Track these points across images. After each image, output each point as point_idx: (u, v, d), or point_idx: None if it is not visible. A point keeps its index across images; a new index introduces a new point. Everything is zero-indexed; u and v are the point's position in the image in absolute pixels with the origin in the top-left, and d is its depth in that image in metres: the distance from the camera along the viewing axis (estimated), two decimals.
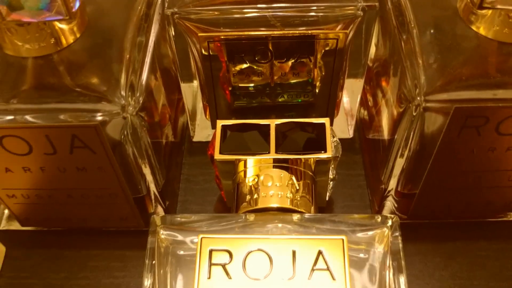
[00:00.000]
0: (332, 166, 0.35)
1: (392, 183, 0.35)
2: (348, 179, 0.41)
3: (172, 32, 0.35)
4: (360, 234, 0.30)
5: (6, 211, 0.38)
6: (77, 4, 0.27)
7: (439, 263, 0.37)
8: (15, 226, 0.38)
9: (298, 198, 0.32)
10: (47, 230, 0.39)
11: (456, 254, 0.37)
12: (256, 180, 0.32)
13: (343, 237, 0.29)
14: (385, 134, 0.36)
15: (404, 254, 0.31)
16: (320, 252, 0.29)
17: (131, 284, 0.36)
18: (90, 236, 0.38)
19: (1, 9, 0.26)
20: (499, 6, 0.26)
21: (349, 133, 0.43)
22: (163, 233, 0.30)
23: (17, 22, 0.27)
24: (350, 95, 0.42)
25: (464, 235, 0.38)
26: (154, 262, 0.30)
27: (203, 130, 0.44)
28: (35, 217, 0.37)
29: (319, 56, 0.39)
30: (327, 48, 0.38)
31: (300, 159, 0.33)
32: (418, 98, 0.29)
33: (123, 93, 0.29)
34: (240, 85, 0.41)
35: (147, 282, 0.30)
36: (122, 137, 0.30)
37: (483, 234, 0.38)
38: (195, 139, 0.44)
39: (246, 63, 0.39)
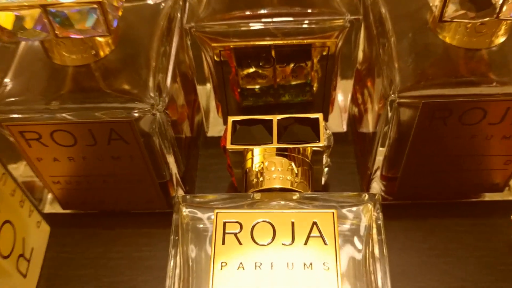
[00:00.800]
0: (326, 154, 0.41)
1: (376, 168, 0.41)
2: (341, 167, 0.46)
3: (189, 42, 0.41)
4: (348, 209, 0.36)
5: (49, 196, 0.45)
6: (115, 23, 0.33)
7: (419, 237, 0.43)
8: (57, 209, 0.45)
9: (297, 181, 0.38)
10: (84, 213, 0.45)
11: (435, 229, 0.43)
12: (261, 166, 0.38)
13: (334, 210, 0.35)
14: (371, 128, 0.42)
15: (389, 229, 0.37)
16: (314, 223, 0.35)
17: (157, 256, 0.42)
18: (121, 218, 0.44)
19: (56, 27, 0.32)
20: (455, 20, 0.32)
21: (343, 127, 0.49)
22: (185, 211, 0.37)
23: (67, 38, 0.34)
24: (344, 94, 0.48)
25: (443, 213, 0.44)
26: (178, 237, 0.36)
27: (215, 126, 0.49)
28: (74, 201, 0.43)
29: (315, 60, 0.45)
30: (322, 54, 0.44)
31: (298, 148, 0.38)
32: (393, 95, 0.35)
33: (152, 94, 0.35)
34: (247, 87, 0.47)
35: (172, 250, 0.36)
36: (151, 130, 0.36)
37: (459, 213, 0.44)
38: (209, 134, 0.50)
39: (252, 68, 0.45)
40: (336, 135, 0.42)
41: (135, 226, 0.44)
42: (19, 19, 0.32)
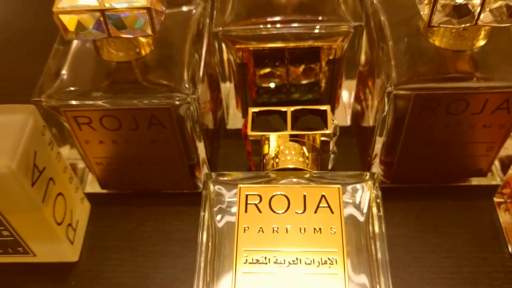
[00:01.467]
0: (333, 141, 0.48)
1: (375, 154, 0.47)
2: (345, 156, 0.52)
3: (217, 45, 0.48)
4: (351, 185, 0.42)
5: (90, 178, 0.51)
6: (159, 26, 0.40)
7: (414, 216, 0.48)
8: (96, 189, 0.51)
9: (308, 163, 0.44)
10: (120, 192, 0.51)
11: (428, 209, 0.49)
12: (277, 150, 0.44)
13: (339, 186, 0.41)
14: (371, 122, 0.48)
15: (387, 208, 0.43)
16: (323, 196, 0.41)
17: (185, 229, 0.48)
18: (152, 197, 0.51)
19: (110, 28, 0.39)
20: (441, 25, 0.39)
21: (347, 122, 0.55)
22: (212, 187, 0.43)
23: (118, 37, 0.40)
24: (348, 92, 0.55)
25: (434, 196, 0.50)
26: (206, 209, 0.42)
27: (234, 120, 0.56)
28: (112, 181, 0.50)
29: (323, 63, 0.51)
30: (329, 57, 0.51)
31: (309, 135, 0.45)
32: (390, 87, 0.41)
33: (187, 85, 0.42)
34: (263, 85, 0.53)
35: (202, 221, 0.42)
36: (185, 116, 0.43)
37: (449, 195, 0.50)
38: (228, 127, 0.56)
39: (268, 68, 0.51)
40: (340, 128, 0.48)
41: (165, 204, 0.50)
42: (80, 22, 0.39)
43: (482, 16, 0.38)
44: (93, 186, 0.51)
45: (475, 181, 0.50)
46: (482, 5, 0.37)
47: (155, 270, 0.46)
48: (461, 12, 0.38)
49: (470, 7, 0.38)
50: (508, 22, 0.38)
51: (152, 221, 0.49)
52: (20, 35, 0.66)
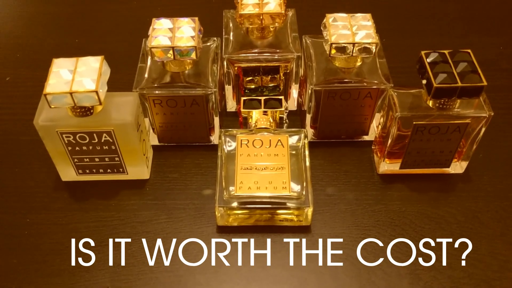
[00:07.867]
0: (285, 115, 0.89)
1: (307, 122, 0.89)
2: (293, 125, 0.94)
3: (225, 63, 0.89)
4: (293, 136, 0.84)
5: (151, 135, 0.91)
6: (199, 55, 0.80)
7: (329, 157, 0.90)
8: (155, 142, 0.91)
9: (272, 125, 0.86)
10: (168, 144, 0.92)
11: (336, 152, 0.89)
12: (256, 118, 0.85)
13: (287, 135, 0.83)
14: (305, 106, 0.90)
15: (314, 152, 0.84)
16: (279, 140, 0.82)
17: (206, 162, 0.88)
18: (186, 146, 0.90)
19: (175, 55, 0.79)
20: (335, 56, 0.80)
21: (295, 107, 0.97)
22: (223, 136, 0.84)
23: (178, 60, 0.81)
24: (295, 91, 0.96)
25: (341, 145, 0.90)
26: (221, 151, 0.83)
27: (231, 106, 0.97)
28: (165, 137, 0.89)
29: (281, 74, 0.92)
30: (285, 71, 0.92)
31: (272, 111, 0.86)
32: (312, 86, 0.82)
33: (211, 85, 0.82)
34: (247, 86, 0.94)
35: (219, 160, 0.82)
36: (210, 100, 0.83)
37: (349, 145, 0.90)
38: (228, 110, 0.96)
39: (251, 77, 0.93)
40: (290, 110, 0.90)
41: (195, 150, 0.90)
42: (162, 52, 0.79)
43: (354, 52, 0.80)
44: (154, 140, 0.91)
45: (365, 137, 0.92)
46: (353, 47, 0.79)
47: (191, 181, 0.86)
48: (343, 50, 0.80)
49: (348, 47, 0.80)
50: (367, 54, 0.81)
51: (188, 159, 0.89)
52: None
